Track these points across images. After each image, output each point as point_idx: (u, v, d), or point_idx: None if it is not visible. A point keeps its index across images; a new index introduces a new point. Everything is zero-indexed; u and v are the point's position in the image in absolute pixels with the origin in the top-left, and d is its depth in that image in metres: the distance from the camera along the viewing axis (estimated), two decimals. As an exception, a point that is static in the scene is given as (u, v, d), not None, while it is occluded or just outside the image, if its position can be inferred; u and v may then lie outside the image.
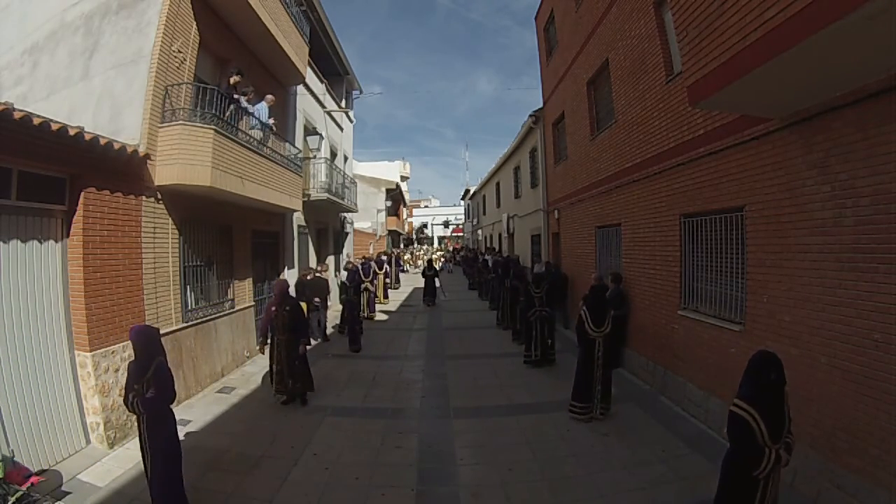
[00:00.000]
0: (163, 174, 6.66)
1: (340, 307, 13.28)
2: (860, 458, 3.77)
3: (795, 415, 4.09)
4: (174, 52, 6.99)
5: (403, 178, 46.44)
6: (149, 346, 4.16)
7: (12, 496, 3.73)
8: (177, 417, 6.32)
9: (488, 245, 28.55)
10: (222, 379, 8.28)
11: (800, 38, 2.94)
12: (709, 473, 4.84)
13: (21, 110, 4.30)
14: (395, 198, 37.55)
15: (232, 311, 8.89)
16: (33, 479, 4.02)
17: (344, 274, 16.46)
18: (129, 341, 4.24)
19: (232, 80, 8.35)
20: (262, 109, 9.02)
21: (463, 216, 49.63)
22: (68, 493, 4.56)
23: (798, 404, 4.28)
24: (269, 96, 9.27)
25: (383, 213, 32.74)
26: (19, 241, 4.86)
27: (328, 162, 14.73)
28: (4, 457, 4.01)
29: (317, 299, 10.85)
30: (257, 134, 8.82)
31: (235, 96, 8.30)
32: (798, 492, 4.23)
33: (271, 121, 9.41)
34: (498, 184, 25.67)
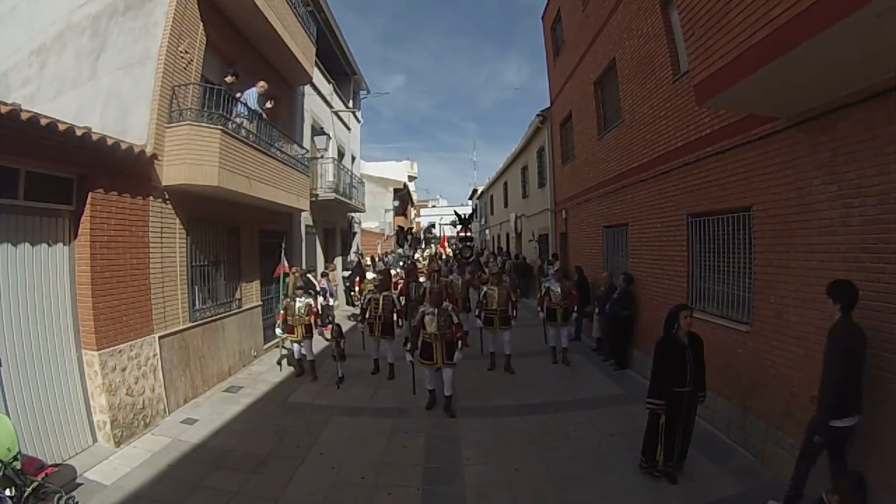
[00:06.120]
0: (170, 174, 6.71)
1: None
2: (864, 460, 3.73)
3: (803, 416, 4.07)
4: (181, 52, 7.04)
5: (411, 178, 46.35)
6: None
7: (28, 487, 3.80)
8: (184, 416, 6.47)
9: (497, 245, 28.44)
10: (229, 378, 8.32)
11: (806, 37, 2.90)
12: (714, 474, 4.85)
13: (28, 111, 4.34)
14: (403, 198, 37.49)
15: (239, 310, 8.93)
16: (47, 470, 4.08)
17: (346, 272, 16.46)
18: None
19: (228, 80, 8.18)
20: (250, 95, 8.52)
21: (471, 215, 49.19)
22: (80, 484, 4.64)
23: (806, 405, 4.24)
24: (262, 83, 8.67)
25: (391, 213, 32.71)
26: (27, 241, 4.91)
27: (335, 162, 14.79)
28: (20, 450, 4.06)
29: None
30: (244, 122, 8.17)
31: (238, 95, 8.18)
32: (804, 494, 4.18)
33: (269, 104, 9.02)
34: (506, 183, 25.65)
